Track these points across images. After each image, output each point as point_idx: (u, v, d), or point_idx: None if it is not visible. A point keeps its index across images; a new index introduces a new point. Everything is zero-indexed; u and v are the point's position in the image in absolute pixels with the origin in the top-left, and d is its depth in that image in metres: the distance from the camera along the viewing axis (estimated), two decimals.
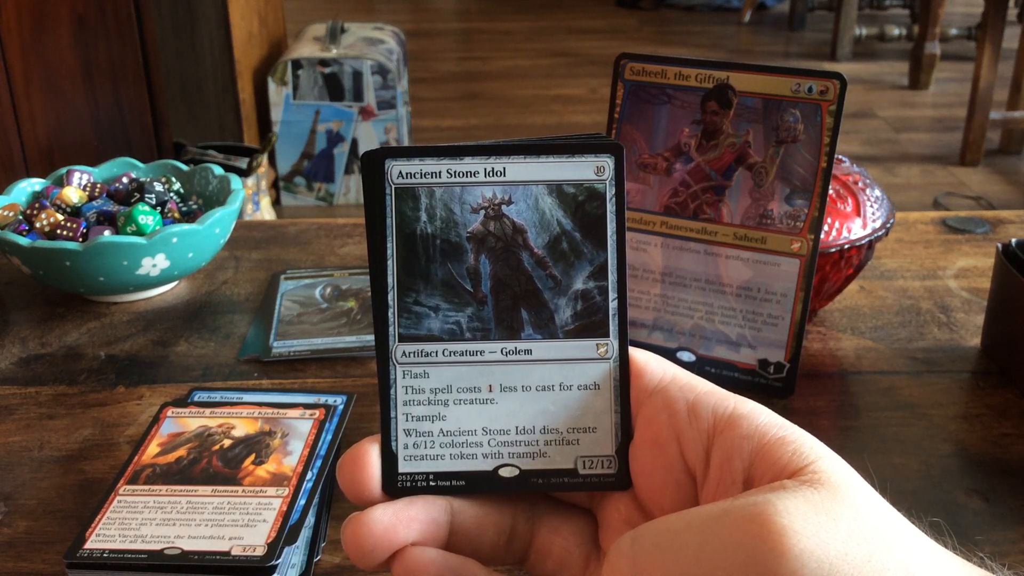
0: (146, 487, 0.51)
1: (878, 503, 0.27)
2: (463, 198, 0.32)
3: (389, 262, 0.32)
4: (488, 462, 0.32)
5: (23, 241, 0.68)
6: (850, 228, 0.64)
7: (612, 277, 0.32)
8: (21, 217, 0.72)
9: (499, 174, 0.32)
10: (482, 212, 0.32)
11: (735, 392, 0.31)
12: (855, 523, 0.26)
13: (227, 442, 0.54)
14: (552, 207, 0.32)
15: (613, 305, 0.32)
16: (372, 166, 0.32)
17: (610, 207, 0.32)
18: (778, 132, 0.58)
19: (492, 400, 0.32)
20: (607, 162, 0.32)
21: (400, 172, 0.32)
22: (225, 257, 0.80)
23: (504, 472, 0.32)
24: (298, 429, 0.55)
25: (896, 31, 3.82)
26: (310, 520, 0.49)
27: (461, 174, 0.32)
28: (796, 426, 0.29)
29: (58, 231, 0.70)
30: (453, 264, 0.32)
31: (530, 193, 0.32)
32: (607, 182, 0.32)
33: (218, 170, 0.80)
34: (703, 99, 0.59)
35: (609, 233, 0.32)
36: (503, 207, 0.32)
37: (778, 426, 0.29)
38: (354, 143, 2.62)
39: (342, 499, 0.52)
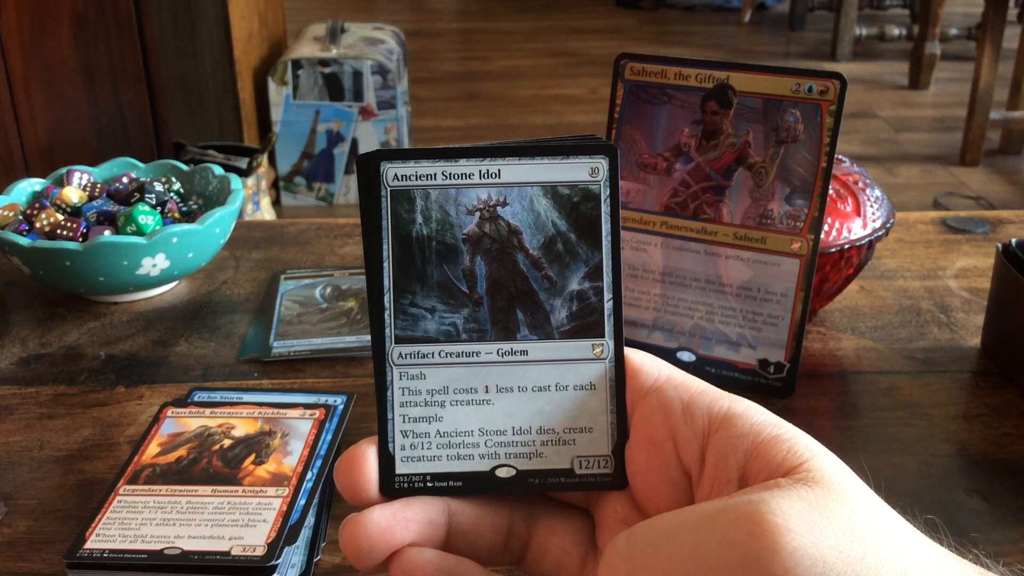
0: (146, 487, 0.51)
1: (873, 501, 0.27)
2: (458, 200, 0.32)
3: (385, 264, 0.32)
4: (485, 463, 0.32)
5: (23, 241, 0.68)
6: (850, 228, 0.64)
7: (607, 278, 0.32)
8: (21, 217, 0.72)
9: (494, 176, 0.32)
10: (477, 214, 0.32)
11: (735, 392, 0.31)
12: (849, 521, 0.26)
13: (227, 442, 0.54)
14: (547, 208, 0.32)
15: (608, 305, 0.32)
16: (368, 168, 0.32)
17: (605, 208, 0.32)
18: (778, 132, 0.58)
19: (488, 401, 0.32)
20: (601, 163, 0.32)
21: (396, 174, 0.32)
22: (225, 257, 0.80)
23: (501, 472, 0.32)
24: (298, 429, 0.55)
25: (896, 31, 3.81)
26: (310, 520, 0.49)
27: (456, 176, 0.32)
28: (791, 424, 0.29)
29: (58, 231, 0.70)
30: (449, 266, 0.32)
31: (525, 195, 0.32)
32: (601, 183, 0.32)
33: (218, 170, 0.80)
34: (703, 99, 0.59)
35: (604, 234, 0.32)
36: (498, 208, 0.32)
37: (772, 424, 0.29)
38: (354, 143, 2.62)
39: (342, 499, 0.51)
